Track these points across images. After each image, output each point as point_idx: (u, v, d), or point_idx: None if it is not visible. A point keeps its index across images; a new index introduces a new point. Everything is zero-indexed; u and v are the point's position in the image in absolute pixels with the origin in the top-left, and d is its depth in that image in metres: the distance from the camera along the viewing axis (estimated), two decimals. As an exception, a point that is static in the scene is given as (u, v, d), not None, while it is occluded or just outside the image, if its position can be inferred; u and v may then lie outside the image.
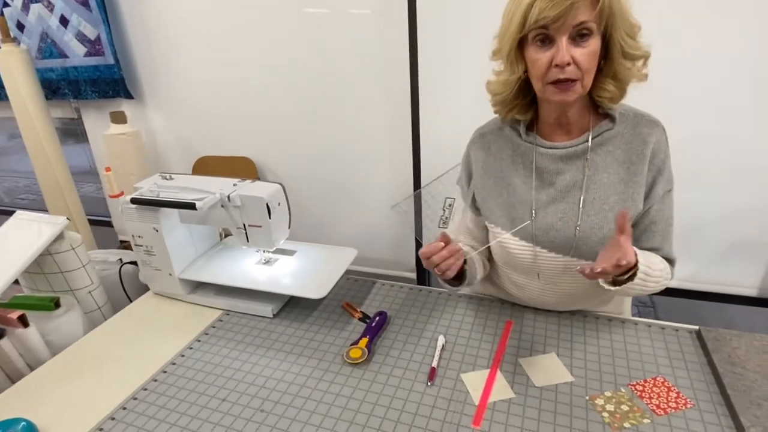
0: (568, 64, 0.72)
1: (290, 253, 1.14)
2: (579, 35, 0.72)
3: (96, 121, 2.19)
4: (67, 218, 1.04)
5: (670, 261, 0.89)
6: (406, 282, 1.17)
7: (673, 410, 0.74)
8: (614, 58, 0.76)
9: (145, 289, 1.17)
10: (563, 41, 0.72)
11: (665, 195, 0.86)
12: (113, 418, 0.79)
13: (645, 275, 0.77)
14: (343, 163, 1.85)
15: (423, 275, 1.92)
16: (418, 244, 1.85)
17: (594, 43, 0.73)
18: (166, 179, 1.06)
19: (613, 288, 0.79)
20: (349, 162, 1.84)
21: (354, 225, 1.96)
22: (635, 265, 0.75)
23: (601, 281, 0.80)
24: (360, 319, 1.02)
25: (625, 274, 0.77)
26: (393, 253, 1.96)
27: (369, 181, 1.85)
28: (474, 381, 0.82)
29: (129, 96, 2.02)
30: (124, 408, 0.81)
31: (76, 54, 2.01)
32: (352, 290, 1.13)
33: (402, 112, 1.64)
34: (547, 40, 0.74)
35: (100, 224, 2.34)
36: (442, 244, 0.80)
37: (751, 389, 0.75)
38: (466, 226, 1.02)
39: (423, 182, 1.71)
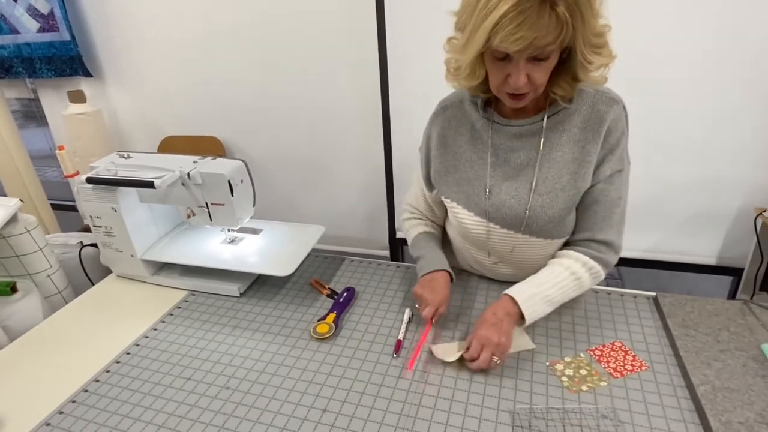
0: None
1: (256, 231, 1.12)
2: (538, 55, 0.69)
3: (54, 101, 2.10)
4: (20, 200, 1.00)
5: (609, 244, 0.85)
6: (381, 260, 1.17)
7: (629, 372, 0.77)
8: (574, 66, 0.73)
9: (108, 271, 1.14)
10: (521, 63, 0.69)
11: (613, 175, 0.82)
12: (74, 401, 0.78)
13: (545, 302, 0.83)
14: (313, 140, 1.82)
15: (396, 253, 1.93)
16: (391, 222, 1.85)
17: (553, 59, 0.71)
18: (124, 158, 1.03)
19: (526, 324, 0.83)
20: (319, 139, 1.82)
21: (325, 204, 1.95)
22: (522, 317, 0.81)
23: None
24: (328, 296, 1.01)
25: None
26: (366, 231, 1.96)
27: (339, 158, 1.83)
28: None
29: (88, 74, 1.94)
30: (86, 391, 0.80)
31: (29, 29, 1.91)
32: (321, 267, 1.13)
33: (371, 87, 1.61)
34: (506, 56, 0.70)
35: (66, 209, 2.27)
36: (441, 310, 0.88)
37: (701, 350, 0.78)
38: (423, 198, 1.03)
39: (394, 157, 1.70)
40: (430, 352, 0.83)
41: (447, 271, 0.93)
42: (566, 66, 0.74)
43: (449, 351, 0.82)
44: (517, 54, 0.68)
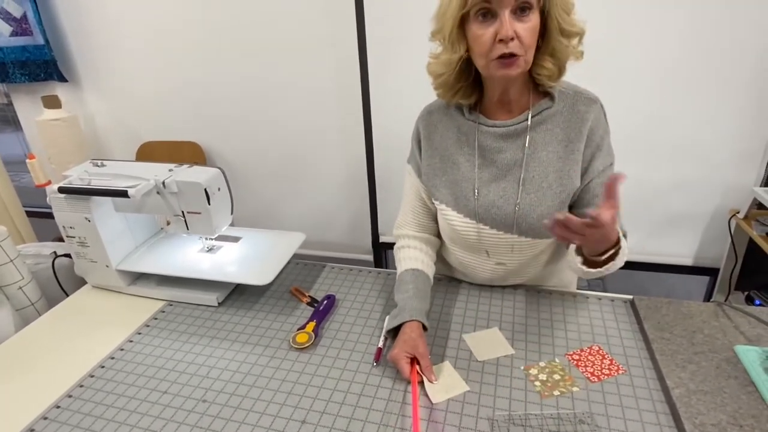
0: (512, 39, 0.73)
1: (235, 239, 1.11)
2: (520, 9, 0.73)
3: (28, 107, 2.05)
4: (-11, 211, 0.98)
5: (623, 234, 0.91)
6: (364, 265, 1.16)
7: (606, 377, 0.78)
8: (552, 35, 0.77)
9: (83, 282, 1.12)
10: (506, 15, 0.72)
11: (606, 169, 0.87)
12: (46, 418, 0.76)
13: (622, 253, 0.80)
14: (295, 145, 1.81)
15: (379, 257, 1.93)
16: (374, 226, 1.85)
17: (534, 18, 0.74)
18: (98, 166, 1.01)
19: (592, 270, 0.81)
20: (300, 144, 1.81)
21: (308, 209, 1.94)
22: (617, 243, 0.78)
23: (579, 263, 0.82)
24: (308, 304, 1.01)
25: (605, 253, 0.78)
26: (348, 236, 1.96)
27: (321, 163, 1.82)
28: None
29: (62, 79, 1.90)
30: (58, 407, 0.78)
31: (1, 33, 1.87)
32: (302, 275, 1.12)
33: (352, 90, 1.61)
34: (489, 14, 0.73)
35: (45, 216, 2.21)
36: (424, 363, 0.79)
37: (676, 353, 0.79)
38: (419, 205, 0.99)
39: (376, 161, 1.70)
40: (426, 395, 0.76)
41: (418, 321, 0.84)
42: (546, 37, 0.77)
43: (449, 383, 0.78)
44: (501, 5, 0.71)
